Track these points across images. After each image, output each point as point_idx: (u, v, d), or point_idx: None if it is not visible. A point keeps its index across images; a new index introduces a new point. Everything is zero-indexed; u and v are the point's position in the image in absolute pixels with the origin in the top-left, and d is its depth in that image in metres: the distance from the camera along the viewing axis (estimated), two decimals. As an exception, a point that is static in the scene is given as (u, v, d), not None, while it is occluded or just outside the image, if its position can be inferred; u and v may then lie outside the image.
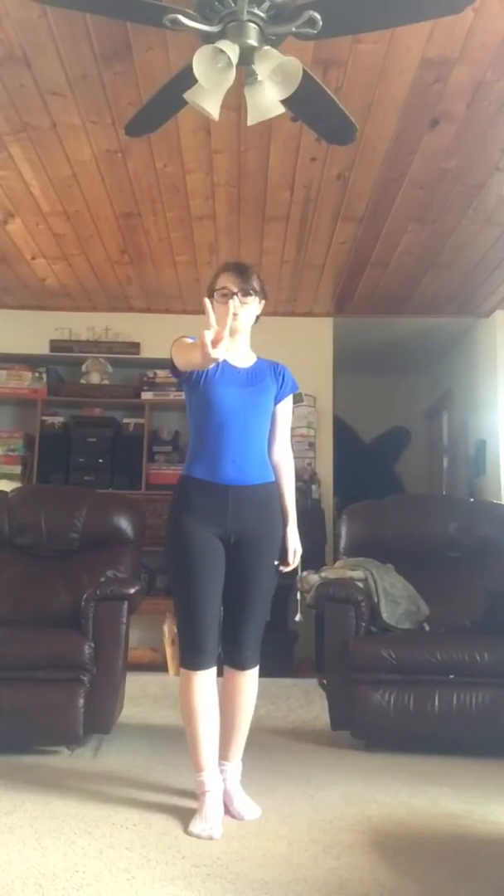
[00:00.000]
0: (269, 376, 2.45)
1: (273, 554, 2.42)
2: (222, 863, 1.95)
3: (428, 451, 7.43)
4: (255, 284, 2.40)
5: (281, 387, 2.47)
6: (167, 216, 4.18)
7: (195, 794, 2.32)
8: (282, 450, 2.52)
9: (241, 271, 2.39)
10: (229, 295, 2.35)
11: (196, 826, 2.16)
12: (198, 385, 2.39)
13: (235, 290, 2.36)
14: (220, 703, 2.39)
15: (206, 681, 2.31)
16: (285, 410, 2.51)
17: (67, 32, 2.75)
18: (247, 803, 2.32)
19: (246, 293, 2.37)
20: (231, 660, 2.39)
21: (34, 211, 4.12)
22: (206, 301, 2.09)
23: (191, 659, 2.32)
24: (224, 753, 2.40)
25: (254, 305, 2.42)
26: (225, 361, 2.38)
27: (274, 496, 2.44)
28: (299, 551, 2.51)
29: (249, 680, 2.40)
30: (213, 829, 2.15)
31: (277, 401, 2.47)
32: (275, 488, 2.45)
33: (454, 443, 6.59)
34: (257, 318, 2.48)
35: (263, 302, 2.47)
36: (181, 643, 2.38)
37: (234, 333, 2.39)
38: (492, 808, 2.41)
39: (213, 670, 2.34)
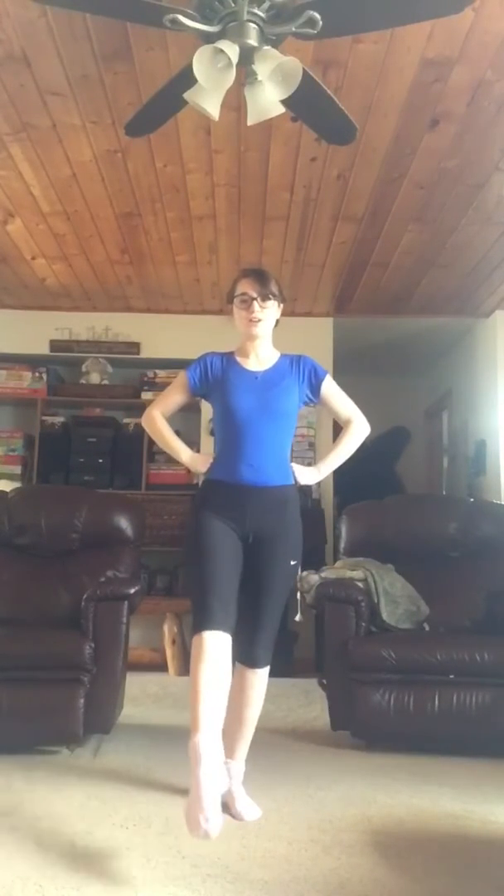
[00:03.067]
0: (289, 376, 2.47)
1: (289, 556, 2.40)
2: (222, 863, 1.95)
3: (428, 451, 7.43)
4: (274, 289, 2.44)
5: (310, 381, 2.50)
6: (167, 216, 4.18)
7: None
8: (347, 417, 2.56)
9: (259, 277, 2.44)
10: (249, 300, 2.40)
11: (191, 820, 1.85)
12: (216, 394, 2.47)
13: (255, 294, 2.40)
14: (229, 700, 2.30)
15: (213, 642, 2.13)
16: (330, 392, 2.54)
17: (67, 32, 2.75)
18: (248, 804, 2.32)
19: (265, 297, 2.41)
20: (243, 657, 2.39)
21: (34, 211, 4.12)
22: None
23: (197, 619, 2.19)
24: (229, 751, 2.35)
25: (273, 309, 2.46)
26: (242, 368, 2.48)
27: (291, 498, 2.44)
28: (301, 477, 2.49)
29: (259, 679, 2.40)
30: (211, 823, 1.82)
31: (314, 394, 2.51)
32: (293, 491, 2.45)
33: (454, 443, 6.59)
34: (276, 321, 2.52)
35: (282, 305, 2.51)
36: (193, 616, 2.25)
37: (254, 339, 2.46)
38: (492, 808, 2.41)
39: (224, 636, 2.16)
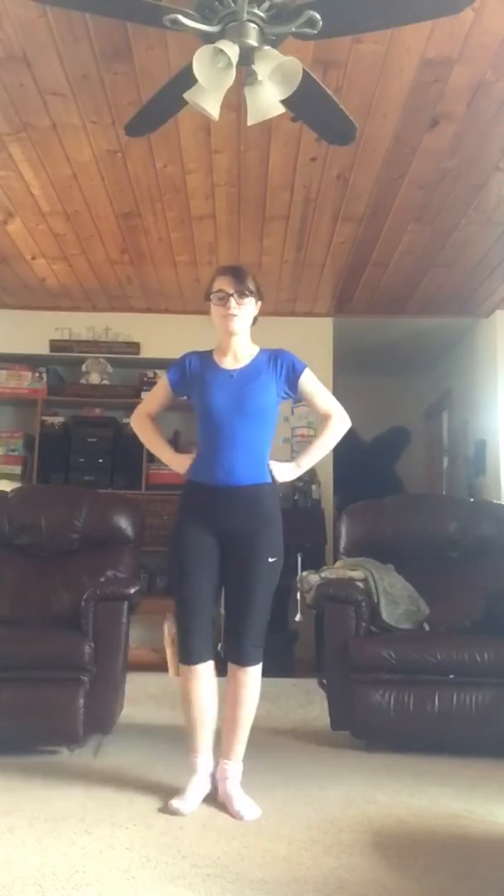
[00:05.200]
0: (265, 372, 2.47)
1: (269, 551, 2.40)
2: (222, 863, 1.94)
3: (428, 451, 7.43)
4: (251, 286, 2.44)
5: (287, 376, 2.48)
6: (167, 216, 4.18)
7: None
8: (326, 412, 2.55)
9: (236, 274, 2.45)
10: (226, 297, 2.41)
11: (173, 801, 2.30)
12: (195, 393, 2.49)
13: (231, 291, 2.41)
14: (225, 701, 2.42)
15: (200, 673, 2.40)
16: (309, 387, 2.52)
17: (67, 32, 2.75)
18: (246, 804, 2.32)
19: (242, 294, 2.42)
20: (232, 655, 2.41)
21: (34, 211, 4.12)
22: None
23: (181, 653, 2.44)
24: (225, 751, 2.42)
25: (250, 306, 2.46)
26: (218, 367, 2.49)
27: (266, 496, 2.44)
28: (279, 474, 2.47)
29: (251, 677, 2.40)
30: (184, 806, 2.28)
31: (292, 389, 2.49)
32: (269, 489, 2.45)
33: (454, 443, 6.59)
34: (255, 319, 2.52)
35: (260, 303, 2.51)
36: (178, 641, 2.48)
37: (231, 336, 2.46)
38: (492, 808, 2.41)
39: (208, 664, 2.42)
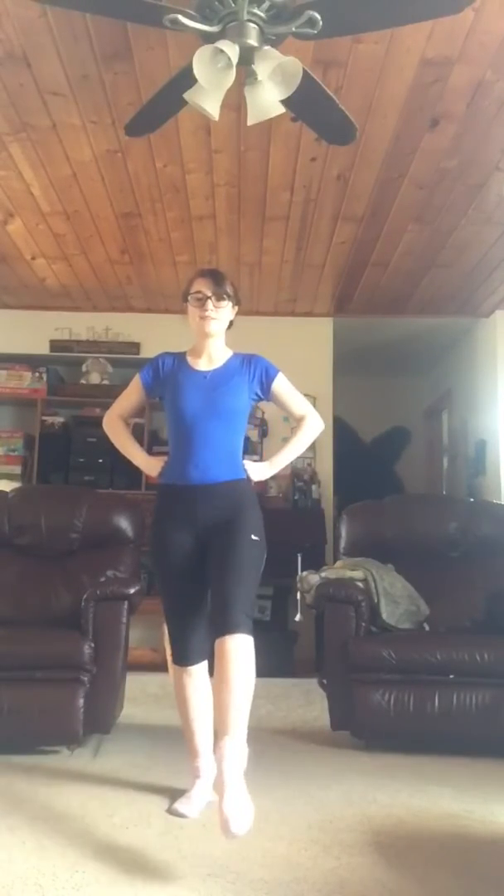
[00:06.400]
0: (238, 374, 2.47)
1: (250, 529, 2.34)
2: (222, 863, 1.94)
3: (428, 451, 7.43)
4: (229, 289, 2.45)
5: (260, 380, 2.49)
6: (167, 216, 4.18)
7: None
8: (300, 415, 2.56)
9: (215, 277, 2.46)
10: (203, 299, 2.42)
11: (177, 804, 2.31)
12: (167, 394, 2.49)
13: (209, 293, 2.41)
14: (215, 679, 2.19)
15: (193, 674, 2.43)
16: (282, 390, 2.52)
17: (67, 32, 2.75)
18: (239, 805, 1.93)
19: (220, 297, 2.43)
20: (220, 627, 2.18)
21: (34, 211, 4.12)
22: None
23: (173, 654, 2.48)
24: (220, 729, 2.10)
25: (227, 309, 2.47)
26: (191, 368, 2.49)
27: (243, 491, 2.43)
28: (254, 473, 2.46)
29: (242, 646, 2.13)
30: (188, 810, 2.28)
31: (264, 392, 2.50)
32: (245, 484, 2.44)
33: (454, 443, 6.59)
34: (231, 323, 2.52)
35: (237, 308, 2.51)
36: (170, 646, 2.51)
37: (207, 338, 2.47)
38: (492, 808, 2.41)
39: (201, 666, 2.45)
